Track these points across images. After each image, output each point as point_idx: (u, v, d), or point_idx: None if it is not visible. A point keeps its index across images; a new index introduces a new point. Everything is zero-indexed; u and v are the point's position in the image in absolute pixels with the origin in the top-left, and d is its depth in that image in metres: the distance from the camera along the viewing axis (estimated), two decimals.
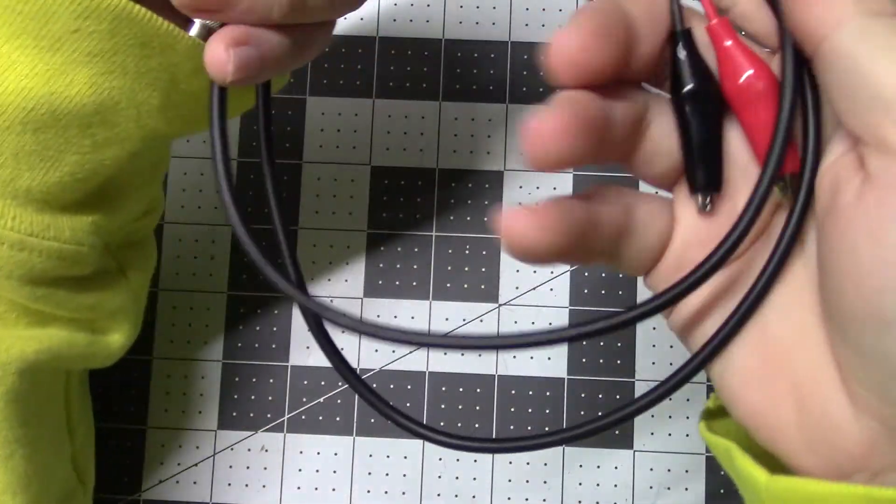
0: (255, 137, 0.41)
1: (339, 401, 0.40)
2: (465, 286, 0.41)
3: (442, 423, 0.40)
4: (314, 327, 0.29)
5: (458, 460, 0.40)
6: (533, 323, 0.40)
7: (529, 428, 0.40)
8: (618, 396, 0.40)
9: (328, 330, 0.29)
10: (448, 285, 0.41)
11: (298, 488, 0.40)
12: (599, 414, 0.24)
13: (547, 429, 0.40)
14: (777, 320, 0.23)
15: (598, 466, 0.40)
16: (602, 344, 0.40)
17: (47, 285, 0.28)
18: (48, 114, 0.25)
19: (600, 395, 0.40)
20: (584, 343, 0.40)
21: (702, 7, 0.24)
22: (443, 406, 0.40)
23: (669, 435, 0.40)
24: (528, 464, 0.40)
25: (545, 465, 0.40)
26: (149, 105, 0.26)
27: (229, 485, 0.40)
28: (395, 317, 0.41)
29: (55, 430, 0.33)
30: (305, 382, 0.40)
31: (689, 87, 0.24)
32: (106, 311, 0.31)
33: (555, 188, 0.41)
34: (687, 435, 0.39)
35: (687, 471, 0.39)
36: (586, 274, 0.41)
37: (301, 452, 0.40)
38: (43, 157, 0.26)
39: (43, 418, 0.31)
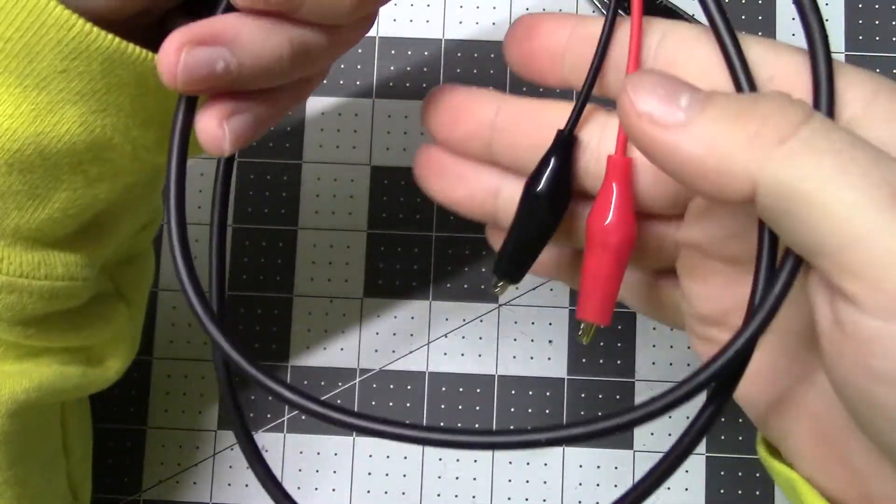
0: None
1: (339, 401, 0.40)
2: (465, 286, 0.41)
3: (442, 424, 0.40)
4: (244, 441, 0.27)
5: (458, 460, 0.40)
6: (533, 323, 0.40)
7: (529, 428, 0.40)
8: (617, 397, 0.40)
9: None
10: (448, 285, 0.41)
11: (298, 488, 0.40)
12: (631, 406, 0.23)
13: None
14: (819, 391, 0.22)
15: (598, 466, 0.40)
16: (602, 344, 0.40)
17: (39, 322, 0.27)
18: (35, 154, 0.23)
19: (600, 395, 0.40)
20: (584, 343, 0.40)
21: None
22: (443, 406, 0.40)
23: (669, 435, 0.40)
24: (528, 464, 0.40)
25: (545, 465, 0.40)
26: (144, 140, 0.25)
27: (229, 485, 0.40)
28: (395, 317, 0.41)
29: (49, 456, 0.31)
30: (305, 382, 0.40)
31: (540, 187, 0.24)
32: (102, 340, 0.30)
33: None
34: None
35: (687, 471, 0.39)
36: None
37: (301, 452, 0.40)
38: (32, 195, 0.24)
39: (35, 451, 0.30)
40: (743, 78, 0.22)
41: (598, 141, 0.24)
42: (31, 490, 0.30)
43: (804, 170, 0.18)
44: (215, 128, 0.22)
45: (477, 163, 0.27)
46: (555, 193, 0.24)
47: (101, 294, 0.30)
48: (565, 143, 0.24)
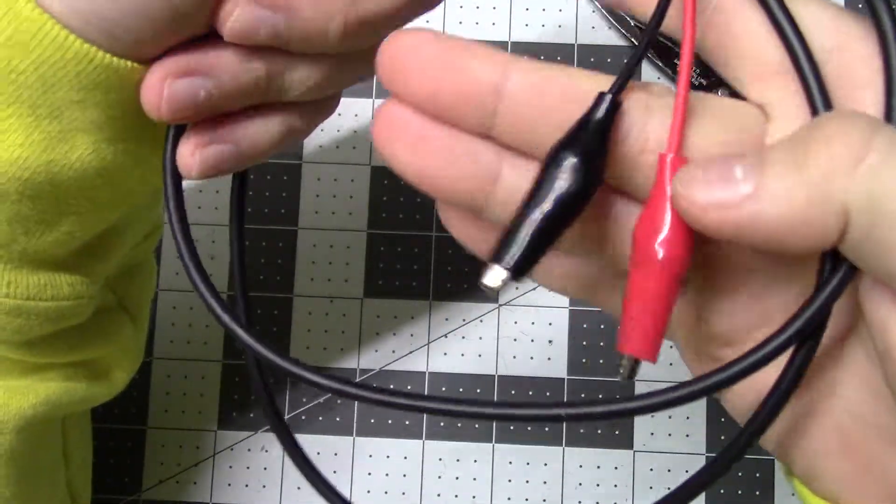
0: None
1: (339, 401, 0.40)
2: (465, 286, 0.41)
3: (442, 424, 0.40)
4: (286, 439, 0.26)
5: (458, 460, 0.40)
6: (533, 323, 0.40)
7: (529, 428, 0.40)
8: (617, 397, 0.40)
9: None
10: (448, 285, 0.41)
11: (298, 488, 0.40)
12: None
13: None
14: (846, 403, 0.21)
15: (598, 466, 0.40)
16: (602, 344, 0.40)
17: (44, 340, 0.27)
18: (46, 181, 0.23)
19: (600, 396, 0.40)
20: (584, 343, 0.40)
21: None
22: None
23: (669, 435, 0.40)
24: (528, 464, 0.40)
25: (545, 465, 0.40)
26: (153, 163, 0.25)
27: (229, 485, 0.40)
28: (395, 317, 0.41)
29: (50, 465, 0.31)
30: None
31: (577, 147, 0.19)
32: (107, 353, 0.30)
33: None
34: (687, 435, 0.39)
35: (687, 471, 0.39)
36: None
37: None
38: (40, 220, 0.24)
39: (39, 464, 0.30)
40: (799, 49, 0.19)
41: (643, 125, 0.20)
42: (34, 500, 0.30)
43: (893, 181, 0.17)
44: (187, 155, 0.23)
45: (468, 134, 0.20)
46: (593, 159, 0.19)
47: (105, 308, 0.30)
48: (611, 107, 0.19)
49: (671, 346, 0.40)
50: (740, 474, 0.39)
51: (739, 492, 0.39)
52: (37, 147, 0.22)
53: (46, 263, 0.25)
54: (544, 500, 0.39)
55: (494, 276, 0.19)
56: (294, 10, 0.22)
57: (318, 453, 0.40)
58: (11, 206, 0.23)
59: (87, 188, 0.24)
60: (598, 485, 0.39)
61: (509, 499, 0.40)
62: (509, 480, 0.40)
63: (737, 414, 0.23)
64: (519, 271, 0.19)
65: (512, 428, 0.40)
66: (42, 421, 0.28)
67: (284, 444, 0.26)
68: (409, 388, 0.40)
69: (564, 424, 0.40)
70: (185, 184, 0.25)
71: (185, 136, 0.24)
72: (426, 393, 0.40)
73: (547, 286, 0.24)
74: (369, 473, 0.40)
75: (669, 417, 0.39)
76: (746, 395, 0.22)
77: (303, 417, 0.40)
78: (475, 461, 0.40)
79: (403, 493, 0.40)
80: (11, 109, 0.22)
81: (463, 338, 0.40)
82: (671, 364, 0.40)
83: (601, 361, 0.40)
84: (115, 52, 0.22)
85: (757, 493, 0.39)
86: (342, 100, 0.29)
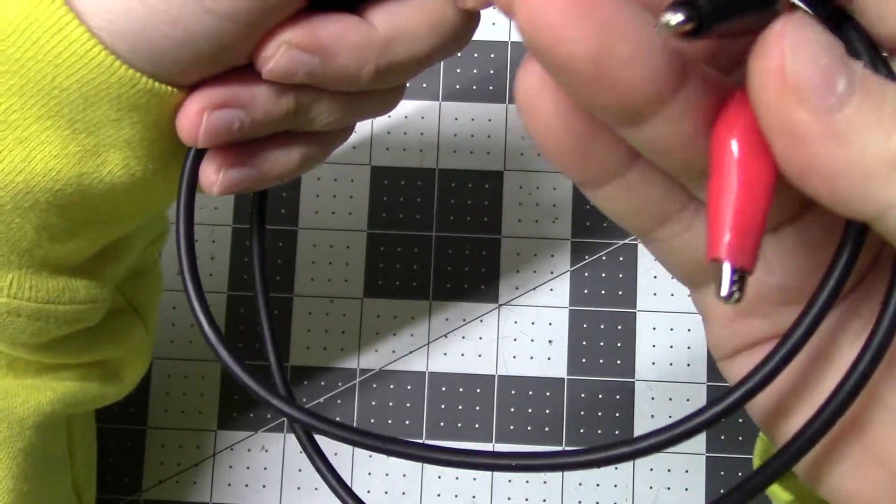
0: None
1: (339, 401, 0.40)
2: (465, 286, 0.41)
3: (442, 424, 0.40)
4: (306, 441, 0.27)
5: None
6: (533, 323, 0.40)
7: (529, 428, 0.40)
8: (617, 397, 0.40)
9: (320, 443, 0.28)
10: (448, 285, 0.41)
11: (298, 488, 0.40)
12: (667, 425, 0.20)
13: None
14: (887, 430, 0.19)
15: (598, 466, 0.40)
16: (602, 344, 0.40)
17: (59, 342, 0.27)
18: (76, 193, 0.24)
19: (600, 396, 0.40)
20: (584, 343, 0.40)
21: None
22: (443, 406, 0.40)
23: None
24: None
25: None
26: (178, 177, 0.26)
27: (229, 485, 0.40)
28: (395, 317, 0.41)
29: (56, 461, 0.32)
30: (305, 383, 0.40)
31: None
32: (118, 353, 0.31)
33: (554, 188, 0.41)
34: None
35: (687, 471, 0.39)
36: (586, 274, 0.41)
37: (301, 452, 0.40)
38: (65, 229, 0.25)
39: (49, 461, 0.30)
40: None
41: None
42: (43, 498, 0.30)
43: None
44: (211, 174, 0.24)
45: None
46: None
47: (115, 310, 0.30)
48: None
49: (671, 346, 0.40)
50: (740, 474, 0.39)
51: None
52: (71, 160, 0.23)
53: (64, 268, 0.26)
54: (544, 501, 0.39)
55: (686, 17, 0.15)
56: (331, 55, 0.23)
57: None
58: (40, 215, 0.24)
59: (114, 201, 0.25)
60: (598, 485, 0.39)
61: (509, 499, 0.40)
62: (509, 480, 0.40)
63: (755, 414, 0.22)
64: (705, 22, 0.15)
65: (512, 428, 0.40)
66: (57, 418, 0.29)
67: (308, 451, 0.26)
68: (408, 387, 0.40)
69: (565, 424, 0.40)
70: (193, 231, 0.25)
71: (209, 156, 0.24)
72: (426, 394, 0.40)
73: (611, 210, 0.20)
74: (369, 473, 0.40)
75: (669, 417, 0.39)
76: (764, 398, 0.21)
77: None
78: None
79: (403, 493, 0.40)
80: (50, 122, 0.23)
81: (463, 338, 0.40)
82: (671, 364, 0.40)
83: (601, 361, 0.40)
84: (157, 77, 0.22)
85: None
86: None
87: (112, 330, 0.30)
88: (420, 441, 0.19)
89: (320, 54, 0.23)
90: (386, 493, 0.40)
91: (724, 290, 0.16)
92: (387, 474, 0.40)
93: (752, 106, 0.16)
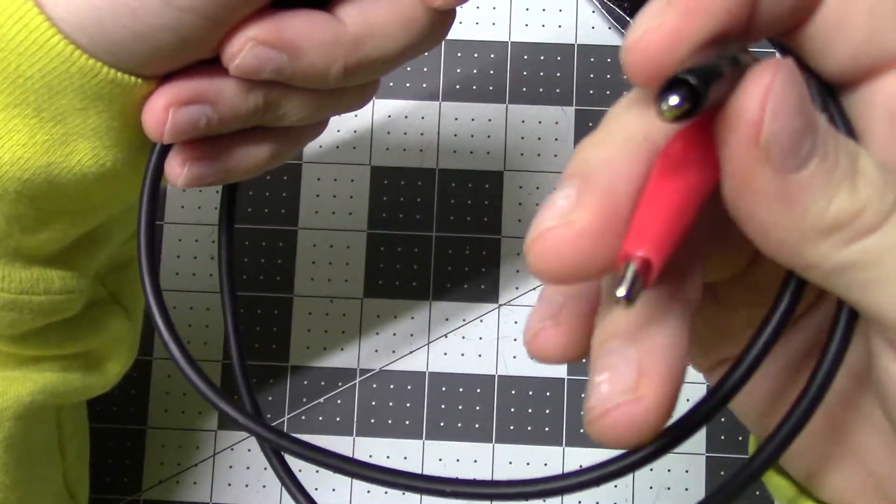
0: None
1: (339, 401, 0.40)
2: (465, 286, 0.41)
3: (442, 424, 0.40)
4: (274, 460, 0.26)
5: (458, 461, 0.40)
6: None
7: (529, 428, 0.40)
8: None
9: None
10: (448, 285, 0.41)
11: None
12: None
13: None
14: (869, 434, 0.20)
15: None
16: None
17: (36, 334, 0.27)
18: (45, 182, 0.24)
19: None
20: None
21: None
22: (443, 406, 0.40)
23: None
24: (528, 464, 0.40)
25: (545, 465, 0.40)
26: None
27: (229, 485, 0.40)
28: (395, 317, 0.41)
29: (45, 456, 0.32)
30: (305, 382, 0.40)
31: None
32: (100, 344, 0.31)
33: (555, 188, 0.41)
34: None
35: (687, 471, 0.39)
36: None
37: None
38: (36, 218, 0.25)
39: (35, 453, 0.30)
40: None
41: None
42: (30, 491, 0.30)
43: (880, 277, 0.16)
44: (176, 167, 0.24)
45: None
46: None
47: (96, 301, 0.30)
48: None
49: None
50: None
51: None
52: (38, 149, 0.23)
53: (38, 259, 0.26)
54: (544, 501, 0.39)
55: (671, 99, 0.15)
56: (299, 52, 0.23)
57: None
58: (10, 205, 0.24)
59: (84, 191, 0.24)
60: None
61: None
62: None
63: (743, 414, 0.23)
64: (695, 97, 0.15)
65: (512, 428, 0.40)
66: (39, 409, 0.29)
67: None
68: (408, 387, 0.40)
69: (565, 424, 0.40)
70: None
71: (175, 150, 0.24)
72: (426, 394, 0.40)
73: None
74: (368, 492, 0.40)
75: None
76: (752, 397, 0.22)
77: (303, 417, 0.40)
78: (475, 461, 0.40)
79: (403, 494, 0.40)
80: (17, 110, 0.23)
81: (463, 338, 0.40)
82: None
83: None
84: (119, 68, 0.22)
85: (757, 493, 0.39)
86: None
87: (93, 321, 0.30)
88: (383, 465, 0.19)
89: (287, 51, 0.23)
90: (386, 492, 0.40)
91: (625, 288, 0.16)
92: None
93: (713, 135, 0.16)
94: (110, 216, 0.28)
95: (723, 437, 0.39)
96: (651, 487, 0.39)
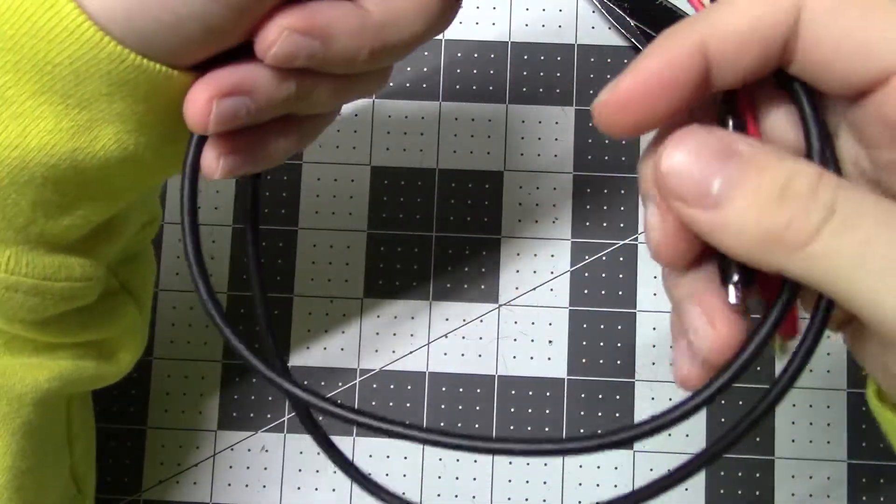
0: None
1: (339, 401, 0.40)
2: (465, 286, 0.41)
3: (442, 424, 0.40)
4: (304, 417, 0.28)
5: (458, 461, 0.40)
6: (533, 323, 0.40)
7: (529, 428, 0.40)
8: (617, 397, 0.40)
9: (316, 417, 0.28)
10: (448, 285, 0.41)
11: (298, 488, 0.40)
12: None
13: (547, 430, 0.40)
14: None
15: (598, 466, 0.40)
16: (602, 344, 0.40)
17: (55, 320, 0.28)
18: (70, 168, 0.24)
19: (600, 396, 0.40)
20: (584, 343, 0.40)
21: None
22: (443, 406, 0.40)
23: (669, 435, 0.39)
24: (528, 464, 0.40)
25: (545, 465, 0.40)
26: (173, 155, 0.26)
27: (229, 485, 0.40)
28: (395, 317, 0.41)
29: (56, 448, 0.32)
30: (305, 383, 0.40)
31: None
32: (113, 333, 0.31)
33: (554, 188, 0.41)
34: (686, 435, 0.39)
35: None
36: (586, 274, 0.41)
37: (301, 452, 0.40)
38: (60, 204, 0.25)
39: (48, 442, 0.31)
40: None
41: None
42: (43, 479, 0.31)
43: (839, 272, 0.18)
44: (212, 160, 0.25)
45: None
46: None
47: (109, 291, 0.31)
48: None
49: (671, 347, 0.40)
50: (740, 474, 0.39)
51: (740, 492, 0.39)
52: (64, 135, 0.24)
53: (59, 246, 0.27)
54: (544, 501, 0.39)
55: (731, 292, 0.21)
56: (330, 39, 0.24)
57: (318, 453, 0.40)
58: (36, 190, 0.24)
59: (107, 176, 0.25)
60: (598, 485, 0.39)
61: (509, 499, 0.40)
62: (509, 480, 0.40)
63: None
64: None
65: (512, 428, 0.40)
66: (54, 398, 0.30)
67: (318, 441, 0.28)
68: (408, 387, 0.40)
69: (565, 424, 0.40)
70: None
71: (211, 143, 0.25)
72: (426, 394, 0.40)
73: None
74: (369, 473, 0.40)
75: None
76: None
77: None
78: (475, 461, 0.40)
79: (403, 493, 0.40)
80: (44, 98, 0.23)
81: (463, 338, 0.40)
82: (671, 364, 0.40)
83: (601, 361, 0.40)
84: (148, 56, 0.23)
85: (757, 493, 0.39)
86: None
87: (106, 311, 0.30)
88: (419, 424, 0.21)
89: (320, 38, 0.23)
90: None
91: (779, 350, 0.22)
92: (387, 474, 0.40)
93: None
94: (129, 204, 0.28)
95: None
96: (651, 469, 0.39)
